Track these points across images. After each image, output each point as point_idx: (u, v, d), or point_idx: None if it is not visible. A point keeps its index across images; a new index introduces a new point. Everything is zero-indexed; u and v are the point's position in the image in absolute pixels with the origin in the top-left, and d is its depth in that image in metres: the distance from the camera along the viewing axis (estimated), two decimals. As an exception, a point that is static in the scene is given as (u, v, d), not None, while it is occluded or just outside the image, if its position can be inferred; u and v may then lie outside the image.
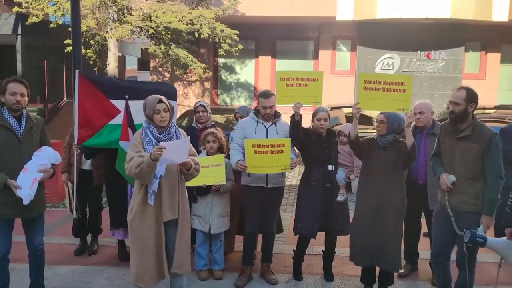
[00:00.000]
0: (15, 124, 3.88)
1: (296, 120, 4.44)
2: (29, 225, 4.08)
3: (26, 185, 3.78)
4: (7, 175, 3.78)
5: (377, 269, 4.44)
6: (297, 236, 4.85)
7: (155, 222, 3.73)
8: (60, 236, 6.08)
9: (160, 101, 3.74)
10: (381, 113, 4.24)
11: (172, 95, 5.26)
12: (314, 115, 4.67)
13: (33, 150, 3.96)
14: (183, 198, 3.87)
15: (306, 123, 4.72)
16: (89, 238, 5.71)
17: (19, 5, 12.33)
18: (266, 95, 4.63)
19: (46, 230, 6.27)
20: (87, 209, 5.64)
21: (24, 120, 3.94)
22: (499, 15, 12.93)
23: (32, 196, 3.81)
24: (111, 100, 4.92)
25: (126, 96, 4.73)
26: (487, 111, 9.20)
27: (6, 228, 3.94)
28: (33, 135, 3.99)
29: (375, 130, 4.36)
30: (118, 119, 4.89)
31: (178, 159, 3.68)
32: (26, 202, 3.78)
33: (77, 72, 5.06)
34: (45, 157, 3.98)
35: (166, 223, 3.79)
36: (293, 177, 9.60)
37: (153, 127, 3.75)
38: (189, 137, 3.84)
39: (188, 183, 4.56)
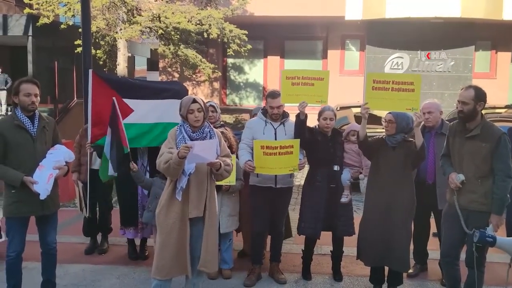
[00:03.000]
0: (29, 124, 3.94)
1: (301, 119, 4.44)
2: (43, 223, 4.14)
3: (42, 180, 3.85)
4: (22, 173, 3.84)
5: (386, 269, 4.43)
6: (299, 235, 4.86)
7: (180, 218, 3.76)
8: (70, 235, 6.13)
9: (194, 101, 3.78)
10: (390, 112, 4.23)
11: (183, 94, 5.30)
12: (320, 114, 4.67)
13: (47, 149, 4.03)
14: (211, 197, 3.89)
15: (312, 122, 4.72)
16: (99, 237, 5.75)
17: (30, 6, 12.47)
18: (273, 95, 4.63)
19: (57, 229, 6.37)
20: (97, 208, 5.68)
21: (37, 120, 4.01)
22: (509, 14, 12.83)
23: (49, 190, 3.88)
24: (124, 99, 4.96)
25: (114, 98, 4.72)
26: (497, 110, 9.13)
27: (21, 227, 4.00)
28: (46, 134, 4.06)
29: (384, 130, 4.35)
30: (131, 118, 4.92)
31: (206, 159, 3.70)
32: (43, 196, 3.84)
33: (90, 71, 5.09)
34: (60, 154, 4.05)
35: (192, 221, 3.82)
36: (302, 177, 9.55)
37: (188, 126, 3.81)
38: (216, 138, 3.86)
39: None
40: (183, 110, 3.80)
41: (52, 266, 4.28)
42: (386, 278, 4.45)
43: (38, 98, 3.99)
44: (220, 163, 3.77)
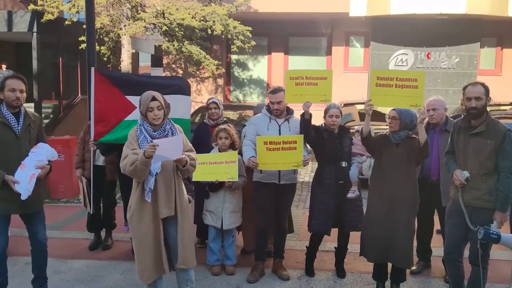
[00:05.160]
0: (13, 121, 3.88)
1: (306, 118, 4.44)
2: (29, 220, 4.09)
3: (24, 180, 3.79)
4: (4, 171, 3.79)
5: (389, 266, 4.43)
6: (310, 232, 4.86)
7: (152, 219, 3.73)
8: (75, 231, 6.17)
9: (154, 98, 3.69)
10: (393, 109, 4.21)
11: (186, 89, 5.31)
12: (326, 112, 4.67)
13: (31, 147, 3.96)
14: (180, 194, 3.84)
15: (318, 120, 4.71)
16: (103, 233, 5.77)
17: (35, 2, 12.52)
18: (274, 91, 4.66)
19: (61, 225, 6.42)
20: (101, 204, 5.70)
21: (22, 117, 3.94)
22: (515, 10, 12.75)
23: (30, 191, 3.81)
24: (126, 96, 4.97)
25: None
26: (502, 107, 9.11)
27: (3, 224, 3.94)
28: (30, 132, 3.99)
29: (387, 127, 4.34)
30: (134, 115, 4.93)
31: (172, 156, 3.65)
32: (24, 197, 3.78)
33: (92, 68, 5.11)
34: (42, 153, 3.98)
35: (165, 220, 3.79)
36: (306, 174, 9.60)
37: (148, 124, 3.73)
38: (181, 134, 3.81)
39: (200, 179, 4.61)
40: (142, 107, 3.71)
41: (44, 262, 4.25)
42: (389, 275, 4.45)
43: (24, 94, 3.93)
44: (187, 159, 3.73)
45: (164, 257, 3.79)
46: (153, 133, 3.72)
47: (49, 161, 4.05)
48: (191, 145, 4.00)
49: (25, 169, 3.84)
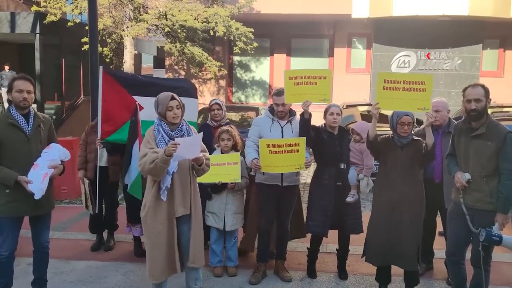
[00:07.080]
0: (23, 122, 3.89)
1: (305, 118, 4.44)
2: (36, 222, 4.09)
3: (37, 180, 3.79)
4: (17, 172, 3.79)
5: (392, 268, 4.41)
6: (307, 233, 4.86)
7: (167, 218, 3.77)
8: (77, 232, 6.17)
9: (173, 98, 3.78)
10: (407, 114, 4.14)
11: (192, 92, 5.31)
12: (326, 111, 4.67)
13: (42, 148, 3.96)
14: (195, 193, 3.90)
15: (317, 121, 4.71)
16: (105, 234, 5.78)
17: (38, 4, 12.56)
18: (278, 93, 4.65)
19: (63, 226, 6.43)
20: (103, 205, 5.71)
21: (32, 118, 3.95)
22: (518, 12, 12.74)
23: (43, 190, 3.82)
24: (133, 96, 4.99)
25: (137, 103, 4.77)
26: (505, 109, 9.10)
27: (15, 226, 3.95)
28: (41, 132, 4.00)
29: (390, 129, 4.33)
30: (142, 116, 4.95)
31: (191, 155, 3.71)
32: (38, 196, 3.79)
33: (101, 68, 5.14)
34: (55, 153, 3.99)
35: (178, 219, 3.83)
36: (308, 175, 9.58)
37: (165, 124, 3.80)
38: (201, 133, 3.86)
39: (202, 180, 4.61)
40: (161, 107, 3.77)
41: (45, 264, 4.26)
42: (403, 277, 4.42)
43: (32, 95, 3.94)
44: (203, 158, 3.78)
45: (176, 256, 3.83)
46: (171, 132, 3.79)
47: (62, 161, 4.06)
48: (204, 145, 4.05)
49: (37, 168, 3.84)
